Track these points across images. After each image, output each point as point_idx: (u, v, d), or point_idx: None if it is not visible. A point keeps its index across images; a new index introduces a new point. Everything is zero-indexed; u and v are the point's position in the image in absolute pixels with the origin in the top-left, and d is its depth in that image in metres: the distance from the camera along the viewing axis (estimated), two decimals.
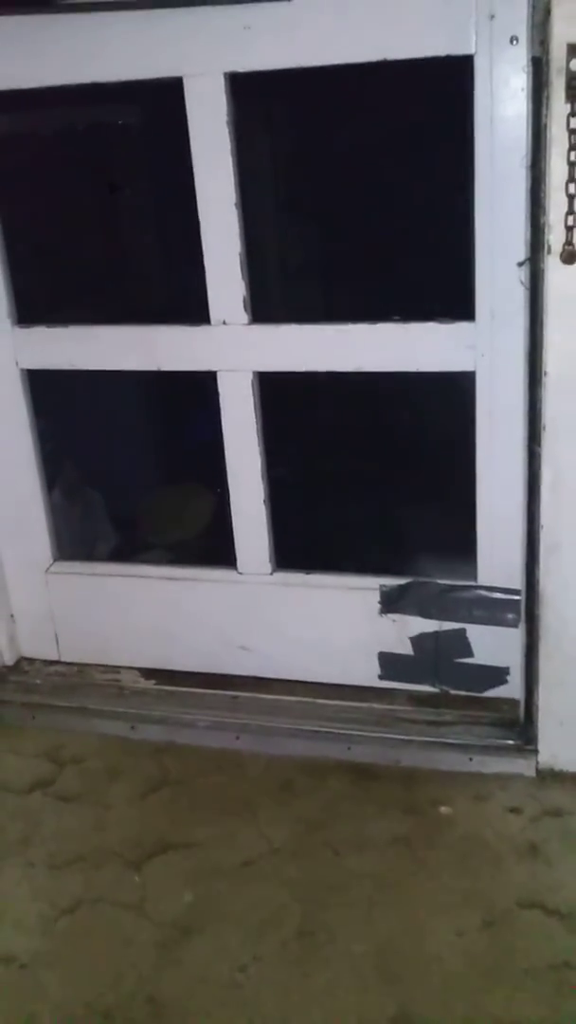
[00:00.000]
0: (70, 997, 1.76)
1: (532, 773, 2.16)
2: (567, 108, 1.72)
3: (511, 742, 2.20)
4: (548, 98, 1.74)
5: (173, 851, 2.06)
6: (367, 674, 2.38)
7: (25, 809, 2.21)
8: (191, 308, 2.21)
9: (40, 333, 2.36)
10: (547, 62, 1.73)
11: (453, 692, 2.34)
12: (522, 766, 2.17)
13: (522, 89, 1.84)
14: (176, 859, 2.04)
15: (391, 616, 2.32)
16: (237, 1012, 1.71)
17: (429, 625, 2.30)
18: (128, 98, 2.29)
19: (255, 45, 1.98)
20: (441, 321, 2.08)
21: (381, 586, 2.31)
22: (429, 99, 2.08)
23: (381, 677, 2.37)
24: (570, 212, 1.78)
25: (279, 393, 2.28)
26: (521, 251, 1.92)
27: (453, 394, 2.14)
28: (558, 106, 1.73)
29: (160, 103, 2.17)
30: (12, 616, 2.62)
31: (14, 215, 2.29)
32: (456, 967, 1.76)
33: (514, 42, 1.83)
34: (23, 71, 2.12)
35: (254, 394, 2.25)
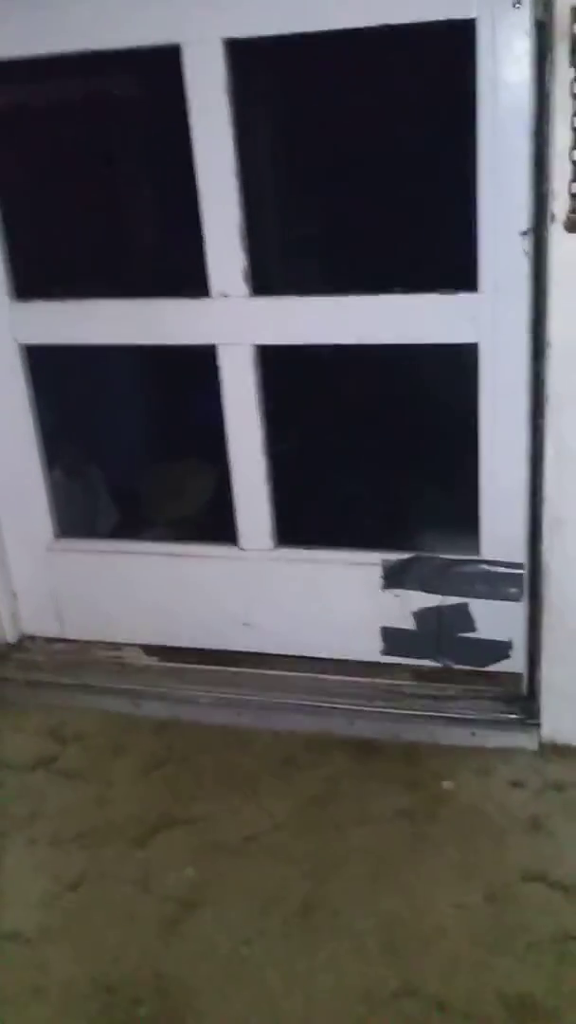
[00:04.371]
0: (75, 972, 1.77)
1: (535, 747, 2.16)
2: (571, 73, 1.69)
3: (514, 716, 2.19)
4: (552, 63, 1.71)
5: (176, 827, 2.06)
6: (370, 649, 2.37)
7: (28, 786, 2.22)
8: (191, 281, 2.18)
9: (39, 308, 2.33)
10: (551, 26, 1.70)
11: (456, 667, 2.33)
12: (525, 740, 2.17)
13: (525, 54, 1.80)
14: (179, 835, 2.04)
15: (393, 591, 2.31)
16: (241, 986, 1.72)
17: (432, 600, 2.29)
18: (125, 67, 2.26)
19: (254, 11, 1.94)
20: (444, 292, 2.05)
21: (383, 561, 2.30)
22: (431, 65, 2.05)
23: (384, 652, 2.37)
24: (574, 180, 1.75)
25: (280, 367, 2.26)
26: (525, 220, 1.89)
27: (456, 366, 2.12)
28: (562, 71, 1.70)
29: (158, 71, 2.14)
30: (14, 594, 2.61)
31: (10, 189, 2.26)
32: (459, 941, 1.76)
33: (517, 5, 1.79)
34: (16, 40, 2.09)
35: (255, 368, 2.23)
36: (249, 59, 2.02)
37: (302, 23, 1.92)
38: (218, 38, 1.98)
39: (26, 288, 2.33)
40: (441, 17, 1.84)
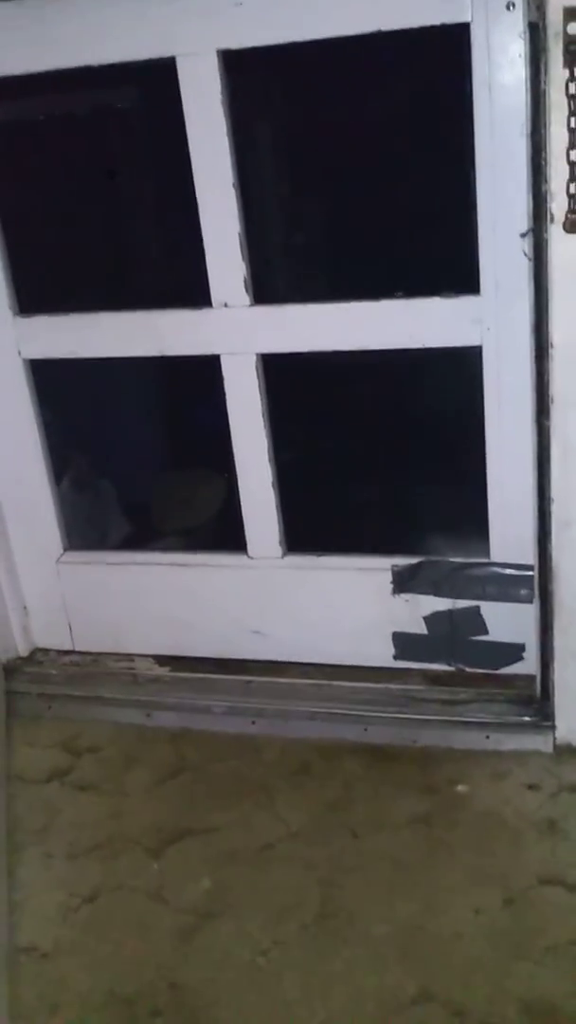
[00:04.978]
0: (92, 985, 1.77)
1: (550, 749, 2.15)
2: (565, 73, 1.68)
3: (528, 719, 2.18)
4: (546, 64, 1.70)
5: (191, 837, 2.06)
6: (382, 654, 2.36)
7: (43, 799, 2.22)
8: (192, 291, 2.19)
9: (42, 322, 2.34)
10: (544, 27, 1.69)
11: (468, 670, 2.32)
12: (539, 742, 2.15)
13: (520, 56, 1.80)
14: (194, 845, 2.04)
15: (404, 596, 2.30)
16: (259, 996, 1.71)
17: (442, 603, 2.28)
18: (122, 81, 2.27)
19: (247, 21, 1.95)
20: (445, 296, 2.05)
21: (393, 566, 2.29)
22: (426, 69, 2.05)
23: (396, 657, 2.36)
24: (572, 180, 1.74)
25: (284, 374, 2.26)
26: (524, 221, 1.89)
27: (460, 369, 2.12)
28: (556, 71, 1.69)
29: (154, 84, 2.15)
30: (25, 607, 2.62)
31: (10, 204, 2.27)
32: (477, 945, 1.75)
33: (511, 8, 1.79)
34: (13, 58, 2.10)
35: (259, 376, 2.23)
36: (244, 69, 2.02)
37: (296, 32, 1.93)
38: (213, 49, 1.99)
39: (29, 303, 2.34)
40: (435, 22, 1.84)
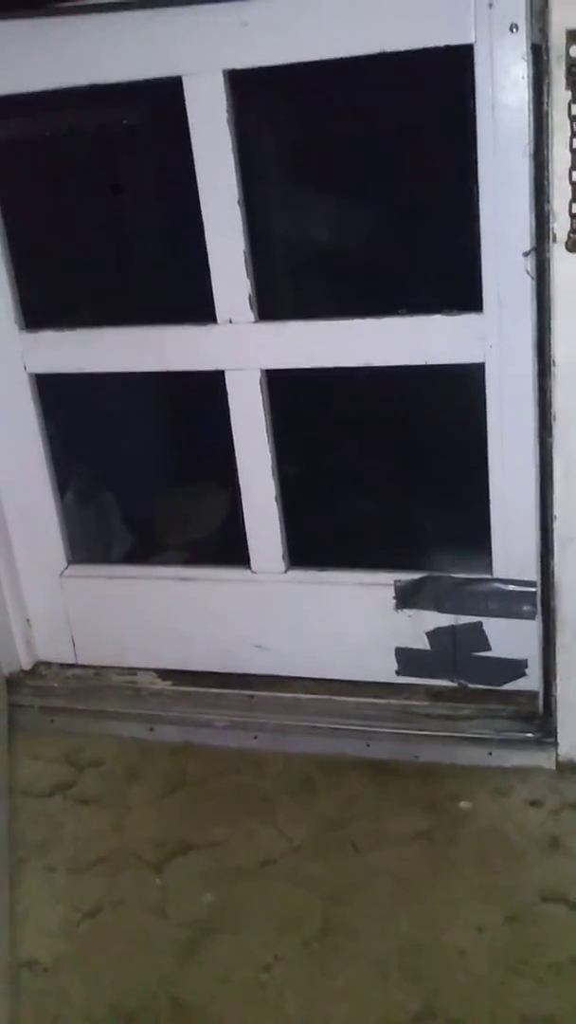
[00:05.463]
0: (93, 1000, 1.77)
1: (552, 766, 2.15)
2: (568, 95, 1.70)
3: (530, 735, 2.18)
4: (549, 86, 1.72)
5: (193, 852, 2.06)
6: (384, 670, 2.37)
7: (45, 813, 2.22)
8: (197, 307, 2.20)
9: (47, 337, 2.36)
10: (547, 49, 1.71)
11: (471, 686, 2.32)
12: (542, 759, 2.16)
13: (523, 77, 1.82)
14: (196, 860, 2.04)
15: (406, 611, 2.31)
16: (260, 1012, 1.71)
17: (445, 619, 2.29)
18: (128, 99, 2.28)
19: (253, 41, 1.97)
20: (448, 313, 2.06)
21: (396, 581, 2.30)
22: (430, 90, 2.06)
23: (398, 672, 2.36)
24: (574, 200, 1.76)
25: (288, 390, 2.27)
26: (527, 240, 1.90)
27: (463, 386, 2.13)
28: (559, 93, 1.71)
29: (160, 103, 2.17)
30: (28, 620, 2.62)
31: (17, 219, 2.29)
32: (480, 962, 1.75)
33: (514, 30, 1.81)
34: (21, 75, 2.12)
35: (262, 392, 2.24)
36: (250, 88, 2.04)
37: (302, 53, 1.94)
38: (219, 69, 2.01)
39: (35, 318, 2.35)
40: (439, 43, 1.86)
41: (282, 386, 2.25)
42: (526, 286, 1.94)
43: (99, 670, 2.59)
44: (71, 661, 2.63)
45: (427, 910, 1.86)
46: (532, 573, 2.15)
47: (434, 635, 2.31)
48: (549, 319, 1.87)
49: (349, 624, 2.37)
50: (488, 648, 2.28)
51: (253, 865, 2.01)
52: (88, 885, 2.01)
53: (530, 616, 2.20)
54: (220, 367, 2.25)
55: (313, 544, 2.43)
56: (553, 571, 2.04)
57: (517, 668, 2.27)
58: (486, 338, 2.04)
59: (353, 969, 1.76)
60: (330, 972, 1.76)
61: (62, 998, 1.78)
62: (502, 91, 1.85)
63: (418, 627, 2.31)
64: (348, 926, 1.85)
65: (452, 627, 2.29)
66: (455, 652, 2.31)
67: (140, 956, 1.84)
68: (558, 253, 1.80)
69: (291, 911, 1.89)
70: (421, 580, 2.29)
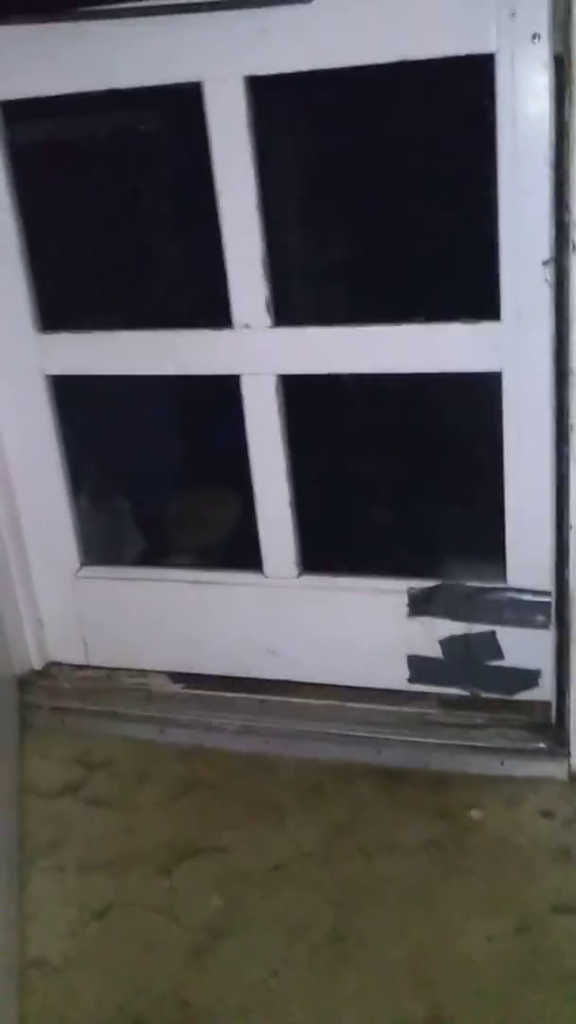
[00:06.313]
0: (101, 1001, 1.77)
1: (564, 776, 2.14)
2: None
3: (542, 745, 2.18)
4: (571, 95, 1.73)
5: (203, 855, 2.06)
6: (396, 677, 2.36)
7: (55, 813, 2.22)
8: (214, 312, 2.21)
9: (64, 339, 2.37)
10: (569, 59, 1.72)
11: (484, 695, 2.32)
12: (554, 769, 2.15)
13: (544, 87, 1.82)
14: (206, 863, 2.04)
15: (420, 619, 2.30)
16: (268, 1016, 1.71)
17: (458, 627, 2.28)
18: (148, 104, 2.30)
19: (273, 48, 1.98)
20: (466, 321, 2.06)
21: (409, 588, 2.30)
22: (450, 98, 2.06)
23: (410, 680, 2.36)
24: None
25: (303, 396, 2.27)
26: (546, 250, 1.90)
27: (479, 394, 2.13)
28: None
29: (180, 108, 2.18)
30: (40, 621, 2.63)
31: (36, 223, 2.30)
32: (489, 972, 1.74)
33: (536, 40, 1.81)
34: (42, 79, 2.14)
35: (278, 397, 2.25)
36: (270, 95, 2.04)
37: (322, 60, 1.95)
38: (239, 75, 2.01)
39: (52, 320, 2.36)
40: (461, 52, 1.86)
41: (297, 392, 2.25)
42: (544, 295, 1.94)
43: (110, 671, 2.60)
44: (83, 662, 2.63)
45: (437, 918, 1.86)
46: (547, 583, 2.15)
47: (447, 643, 2.31)
48: (568, 328, 1.87)
49: (361, 630, 2.36)
50: (501, 657, 2.27)
51: (262, 870, 2.01)
52: (97, 886, 2.01)
53: (544, 626, 2.19)
54: (236, 372, 2.25)
55: (326, 550, 2.43)
56: (568, 581, 2.04)
57: (530, 678, 2.26)
58: (503, 347, 2.03)
59: (362, 976, 1.76)
60: (339, 978, 1.76)
61: (69, 998, 1.78)
62: (523, 100, 1.85)
63: (431, 635, 2.31)
64: (357, 933, 1.85)
65: (465, 635, 2.28)
66: (468, 661, 2.30)
67: (148, 958, 1.84)
68: None
69: (300, 917, 1.89)
70: (435, 588, 2.28)
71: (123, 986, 1.79)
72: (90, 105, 2.18)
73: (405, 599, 2.30)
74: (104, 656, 2.61)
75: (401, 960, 1.78)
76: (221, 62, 2.02)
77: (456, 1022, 1.66)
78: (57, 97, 2.16)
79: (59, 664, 2.66)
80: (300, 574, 2.39)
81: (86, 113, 2.32)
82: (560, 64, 1.74)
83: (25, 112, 2.19)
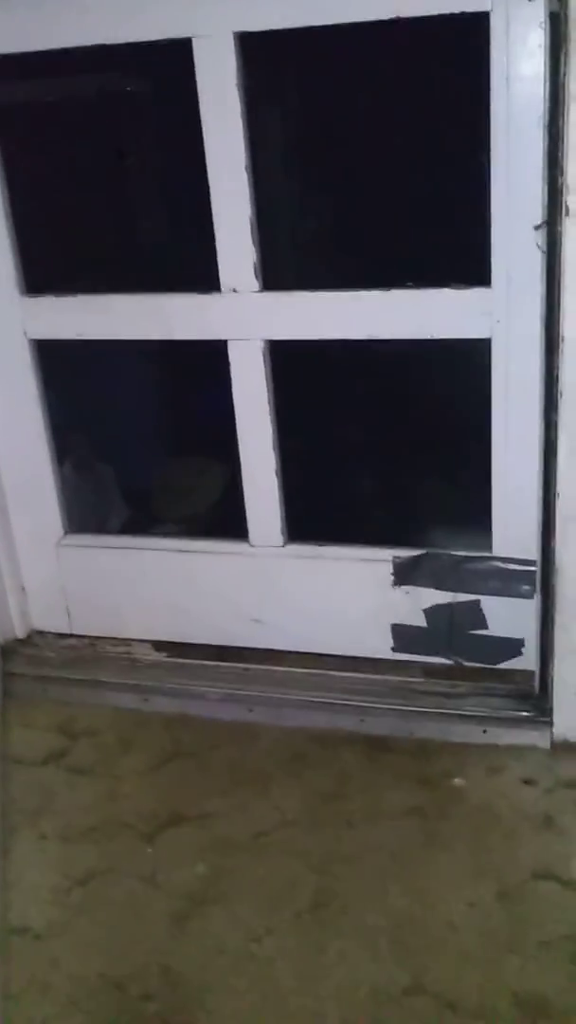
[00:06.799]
0: (84, 968, 1.76)
1: (547, 745, 2.15)
2: None
3: (525, 714, 2.18)
4: (567, 55, 1.70)
5: (186, 823, 2.06)
6: (380, 646, 2.36)
7: (38, 781, 2.21)
8: (201, 276, 2.18)
9: (48, 303, 2.33)
10: (565, 17, 1.69)
11: (467, 664, 2.32)
12: (536, 738, 2.15)
13: (539, 46, 1.79)
14: (189, 831, 2.04)
15: (404, 588, 2.30)
16: (251, 983, 1.71)
17: (443, 597, 2.28)
18: (136, 61, 2.25)
19: (265, 4, 1.93)
20: (456, 287, 2.04)
21: (394, 557, 2.29)
22: (443, 58, 2.03)
23: (394, 649, 2.36)
24: None
25: (291, 362, 2.25)
26: (538, 214, 1.88)
27: (468, 362, 2.11)
28: None
29: (169, 65, 2.13)
30: (23, 589, 2.61)
31: (21, 183, 2.26)
32: (470, 938, 1.75)
33: None
34: (27, 33, 2.09)
35: (265, 363, 2.22)
36: (260, 52, 2.01)
37: (314, 16, 1.91)
38: (229, 31, 1.97)
39: (36, 283, 2.33)
40: (455, 10, 1.83)
41: (285, 358, 2.23)
42: (536, 260, 1.92)
43: (94, 640, 2.58)
44: (66, 631, 2.61)
45: (419, 885, 1.86)
46: (532, 552, 2.14)
47: (431, 612, 2.30)
48: (559, 294, 1.85)
49: (346, 599, 2.36)
50: (485, 627, 2.27)
51: (246, 837, 2.01)
52: (80, 854, 2.01)
53: (529, 595, 2.19)
54: (223, 336, 2.23)
55: (312, 518, 2.42)
56: (554, 550, 2.03)
57: (514, 647, 2.26)
58: (493, 313, 2.01)
59: (344, 942, 1.76)
60: (321, 945, 1.76)
61: (52, 965, 1.78)
62: (517, 60, 1.82)
63: (415, 604, 2.30)
64: (340, 899, 1.85)
65: (450, 604, 2.28)
66: (452, 630, 2.30)
67: (131, 925, 1.84)
68: (570, 227, 1.78)
69: (283, 883, 1.89)
70: (420, 557, 2.27)
71: (106, 953, 1.79)
72: (77, 63, 2.13)
73: (390, 568, 2.29)
74: (88, 625, 2.60)
75: (384, 926, 1.78)
76: (212, 18, 1.97)
77: (437, 987, 1.67)
78: (42, 53, 2.11)
79: (42, 633, 2.64)
80: (286, 543, 2.38)
81: (73, 71, 2.28)
82: (556, 21, 1.71)
83: (9, 69, 2.14)
